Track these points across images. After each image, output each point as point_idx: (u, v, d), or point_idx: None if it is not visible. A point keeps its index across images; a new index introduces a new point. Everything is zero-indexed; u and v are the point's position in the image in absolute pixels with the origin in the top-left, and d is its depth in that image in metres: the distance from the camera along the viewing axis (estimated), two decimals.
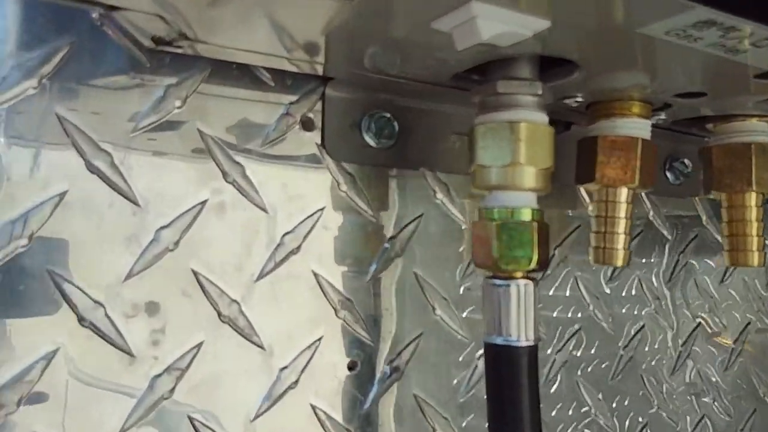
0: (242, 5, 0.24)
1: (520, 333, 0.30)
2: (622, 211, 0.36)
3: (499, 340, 0.30)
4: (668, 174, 0.48)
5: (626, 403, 0.45)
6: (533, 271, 0.30)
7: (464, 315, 0.39)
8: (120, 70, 0.30)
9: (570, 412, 0.43)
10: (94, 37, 0.29)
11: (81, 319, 0.29)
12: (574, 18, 0.24)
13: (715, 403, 0.49)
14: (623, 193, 0.36)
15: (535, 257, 0.30)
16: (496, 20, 0.23)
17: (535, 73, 0.30)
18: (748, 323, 0.52)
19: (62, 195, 0.28)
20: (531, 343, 0.30)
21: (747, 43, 0.26)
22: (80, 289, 0.29)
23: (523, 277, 0.30)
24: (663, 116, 0.39)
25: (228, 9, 0.25)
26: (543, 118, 0.30)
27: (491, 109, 0.30)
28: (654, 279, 0.47)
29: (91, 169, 0.29)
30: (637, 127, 0.36)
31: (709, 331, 0.50)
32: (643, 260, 0.47)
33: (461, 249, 0.39)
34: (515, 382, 0.30)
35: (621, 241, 0.36)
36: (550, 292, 0.43)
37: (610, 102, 0.36)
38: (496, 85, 0.30)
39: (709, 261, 0.50)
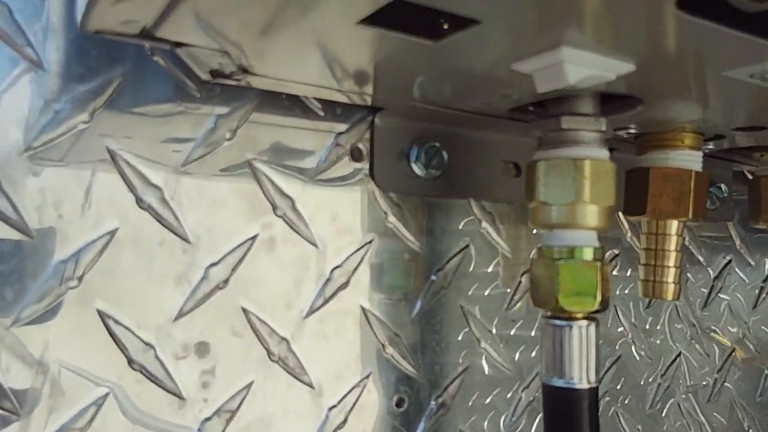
0: (295, 35, 0.23)
1: (582, 375, 0.29)
2: (673, 244, 0.36)
3: (560, 383, 0.29)
4: (708, 201, 0.47)
5: (665, 428, 0.45)
6: (595, 312, 0.29)
7: (509, 346, 0.38)
8: (170, 101, 0.29)
9: None
10: (146, 68, 0.28)
11: (131, 361, 0.28)
12: (660, 62, 0.23)
13: (750, 429, 0.49)
14: (674, 225, 0.36)
15: (599, 298, 0.29)
16: (583, 65, 0.22)
17: (597, 108, 0.30)
18: None
19: (113, 233, 0.27)
20: (593, 385, 0.29)
21: None
22: (130, 330, 0.28)
23: (584, 318, 0.29)
24: (711, 146, 0.38)
25: (281, 39, 0.24)
26: (605, 154, 0.29)
27: (554, 145, 0.29)
28: (690, 306, 0.47)
29: (142, 205, 0.28)
30: (689, 159, 0.35)
31: (742, 356, 0.49)
32: (691, 293, 0.47)
33: (501, 277, 0.38)
34: (577, 424, 0.29)
35: (672, 274, 0.36)
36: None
37: (661, 133, 0.35)
38: (560, 120, 0.29)
39: (743, 276, 0.50)
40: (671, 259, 0.36)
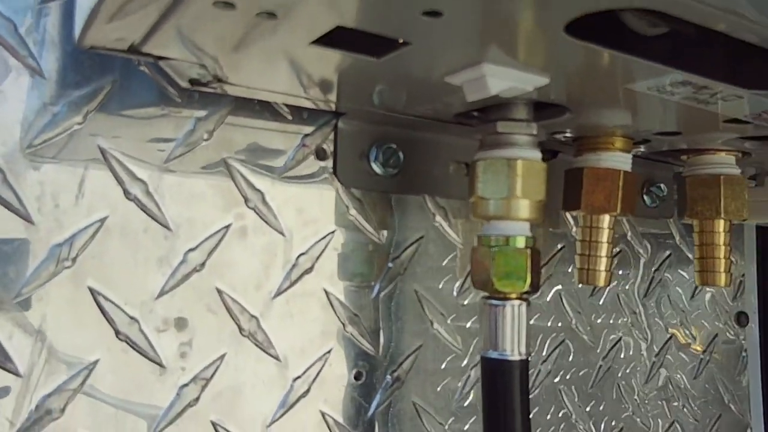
0: (262, 51, 0.27)
1: (514, 348, 0.33)
2: (605, 236, 0.40)
3: (494, 355, 0.33)
4: (645, 197, 0.52)
5: (601, 408, 0.49)
6: (526, 293, 0.33)
7: (459, 327, 0.42)
8: (154, 105, 0.33)
9: (553, 416, 0.47)
10: (133, 76, 0.32)
11: (118, 333, 0.31)
12: (570, 77, 0.28)
13: (685, 408, 0.53)
14: (606, 219, 0.40)
15: (529, 280, 0.33)
16: (502, 78, 0.27)
17: (530, 114, 0.34)
18: (716, 334, 0.56)
19: (103, 220, 0.31)
20: (523, 357, 0.33)
21: (717, 98, 0.29)
22: (117, 306, 0.31)
23: (517, 298, 0.33)
24: (642, 149, 0.42)
25: (250, 54, 0.28)
26: (537, 155, 0.34)
27: (492, 146, 0.34)
28: (630, 293, 0.51)
29: (129, 197, 0.32)
30: (619, 160, 0.39)
31: (681, 342, 0.54)
32: (622, 277, 0.51)
33: (456, 267, 0.43)
34: (508, 392, 0.33)
35: (603, 263, 0.40)
36: (539, 314, 0.47)
37: (595, 137, 0.39)
38: (497, 125, 0.33)
39: (683, 273, 0.54)
40: (603, 250, 0.40)
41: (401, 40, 0.24)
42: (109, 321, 0.31)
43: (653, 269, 0.52)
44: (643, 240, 0.52)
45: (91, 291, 0.31)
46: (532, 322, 0.46)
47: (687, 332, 0.54)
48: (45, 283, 0.30)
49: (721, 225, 0.43)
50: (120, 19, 0.23)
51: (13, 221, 0.29)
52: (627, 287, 0.51)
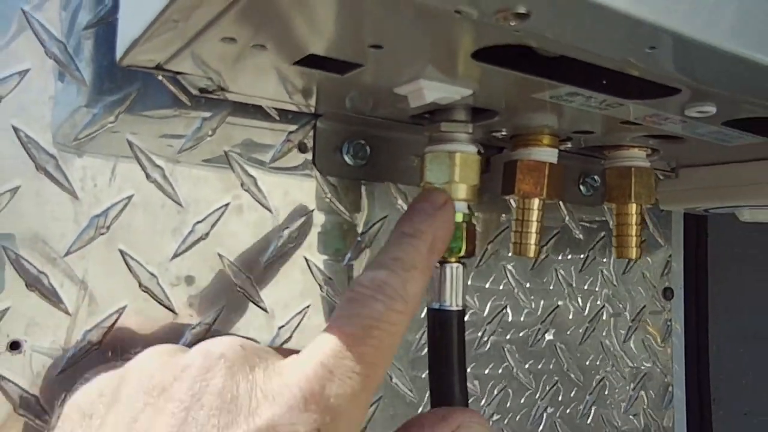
0: (254, 67, 0.36)
1: (452, 301, 0.42)
2: (534, 216, 0.49)
3: (437, 306, 0.42)
4: (582, 187, 0.61)
5: (540, 366, 0.58)
6: (463, 257, 0.42)
7: None
8: (169, 108, 0.42)
9: (498, 371, 0.56)
10: (153, 85, 0.41)
11: (140, 285, 0.40)
12: (488, 88, 0.37)
13: (614, 366, 0.63)
14: (535, 202, 0.49)
15: (464, 248, 0.42)
16: (435, 90, 0.35)
17: (468, 116, 0.43)
18: (644, 305, 0.65)
19: (130, 198, 0.40)
20: (460, 308, 0.42)
21: (605, 104, 0.38)
22: (141, 264, 0.40)
23: (455, 262, 0.42)
24: (569, 145, 0.51)
25: (247, 69, 0.37)
26: (473, 149, 0.42)
27: (436, 142, 0.42)
28: (567, 268, 0.60)
29: (150, 180, 0.41)
30: (546, 154, 0.48)
31: (612, 311, 0.63)
32: (560, 256, 0.60)
33: None
34: (448, 334, 0.42)
35: (533, 238, 0.49)
36: (486, 283, 0.56)
37: (526, 135, 0.48)
38: (440, 125, 0.42)
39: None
40: (533, 227, 0.49)
41: (356, 62, 0.33)
42: (134, 276, 0.40)
43: (588, 249, 0.61)
44: (579, 224, 0.61)
45: (121, 252, 0.40)
46: (487, 286, 0.55)
47: (618, 303, 0.63)
48: (86, 245, 0.39)
49: (632, 208, 0.52)
50: (152, 48, 0.32)
51: (63, 197, 0.38)
52: (564, 264, 0.60)
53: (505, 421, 0.56)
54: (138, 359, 0.31)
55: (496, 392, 0.55)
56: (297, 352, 0.31)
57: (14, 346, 0.36)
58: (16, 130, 0.37)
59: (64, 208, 0.38)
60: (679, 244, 0.69)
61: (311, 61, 0.33)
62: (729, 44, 0.28)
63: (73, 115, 0.38)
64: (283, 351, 0.32)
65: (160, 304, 0.41)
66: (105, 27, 0.39)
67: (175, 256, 0.41)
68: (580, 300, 0.61)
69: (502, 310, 0.56)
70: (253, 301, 0.44)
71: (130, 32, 0.32)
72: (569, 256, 0.60)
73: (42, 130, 0.38)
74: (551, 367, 0.59)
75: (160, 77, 0.41)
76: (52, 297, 0.37)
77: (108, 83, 0.39)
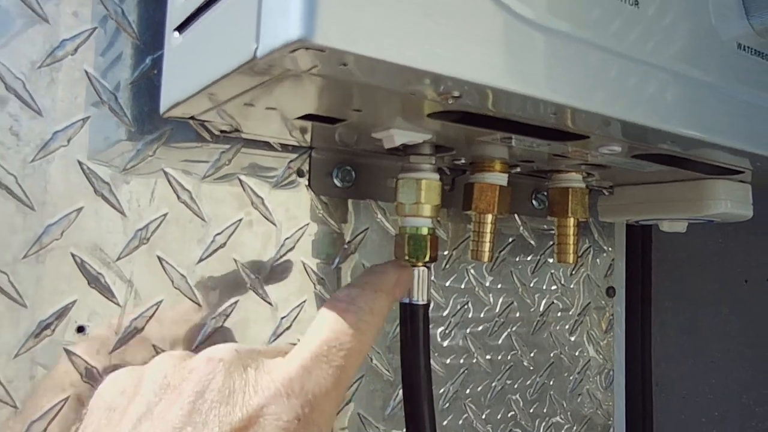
0: (260, 112, 0.47)
1: (419, 296, 0.53)
2: (488, 228, 0.60)
3: (407, 300, 0.53)
4: (534, 202, 0.72)
5: (498, 355, 0.69)
6: (427, 262, 0.54)
7: None
8: (195, 143, 0.53)
9: (460, 360, 0.67)
10: (183, 127, 0.52)
11: (173, 284, 0.51)
12: (443, 133, 0.48)
13: (562, 354, 0.74)
14: (488, 217, 0.60)
15: (428, 255, 0.53)
16: (403, 135, 0.47)
17: (431, 151, 0.54)
18: (590, 302, 0.77)
19: (165, 215, 0.51)
20: (425, 302, 0.53)
21: (534, 144, 0.50)
22: (174, 267, 0.51)
23: (422, 265, 0.53)
24: (518, 169, 0.63)
25: (258, 118, 0.48)
26: (435, 176, 0.54)
27: (407, 170, 0.54)
28: (522, 271, 0.72)
29: (180, 200, 0.52)
30: (497, 178, 0.59)
31: (561, 307, 0.74)
32: (515, 259, 0.71)
33: (390, 248, 0.63)
34: (415, 323, 0.53)
35: (487, 246, 0.60)
36: (450, 282, 0.67)
37: (481, 162, 0.60)
38: (410, 158, 0.54)
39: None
40: (487, 237, 0.60)
41: (341, 118, 0.44)
42: (169, 276, 0.51)
43: (540, 253, 0.73)
44: (532, 233, 0.73)
45: (158, 258, 0.51)
46: (450, 284, 0.67)
47: (566, 300, 0.75)
48: (132, 252, 0.50)
49: (570, 221, 0.63)
50: (189, 107, 0.43)
51: (115, 214, 0.49)
52: (519, 266, 0.71)
53: (467, 400, 0.67)
54: (153, 363, 0.42)
55: (458, 375, 0.67)
56: (283, 352, 0.42)
57: (80, 329, 0.47)
58: (80, 163, 0.48)
59: (115, 224, 0.49)
60: (622, 249, 0.81)
61: (308, 117, 0.44)
62: (605, 110, 0.39)
63: (122, 150, 0.49)
64: (271, 351, 0.43)
65: (188, 298, 0.52)
66: (145, 81, 0.50)
67: (200, 261, 0.52)
68: (532, 297, 0.72)
69: (465, 305, 0.67)
70: (260, 297, 0.55)
71: (173, 95, 0.43)
72: (523, 260, 0.72)
73: (99, 163, 0.49)
74: (509, 357, 0.70)
75: (187, 121, 0.52)
76: (107, 293, 0.48)
77: (148, 125, 0.50)
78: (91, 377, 0.47)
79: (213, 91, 0.39)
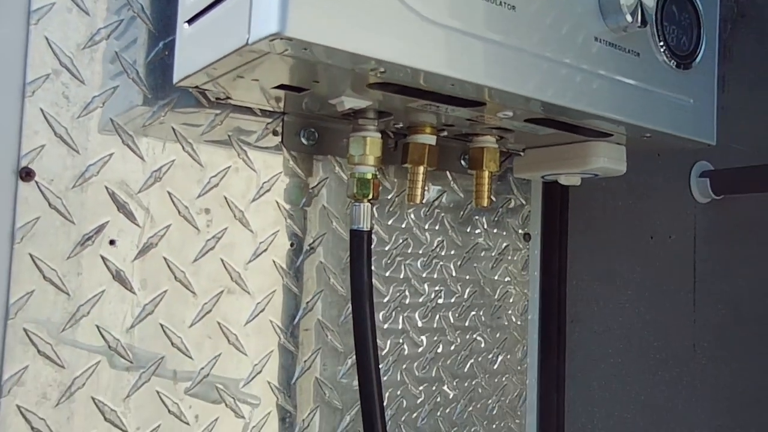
0: (243, 83, 0.63)
1: (364, 224, 0.71)
2: (420, 177, 0.78)
3: (356, 227, 0.71)
4: (462, 161, 0.90)
5: (432, 283, 0.87)
6: (371, 200, 0.71)
7: (346, 223, 0.80)
8: (195, 107, 0.70)
9: (400, 276, 0.85)
10: (187, 94, 0.69)
11: (179, 213, 0.68)
12: (382, 101, 0.65)
13: (484, 284, 0.93)
14: (420, 170, 0.78)
15: (371, 193, 0.71)
16: (351, 102, 0.64)
17: (374, 116, 0.71)
18: (508, 244, 0.95)
19: (173, 161, 0.68)
20: (368, 230, 0.71)
21: (449, 110, 0.67)
22: (178, 199, 0.68)
23: (367, 201, 0.71)
24: (445, 133, 0.80)
25: (244, 87, 0.65)
26: (377, 135, 0.71)
27: (356, 130, 0.71)
28: (452, 217, 0.90)
29: (184, 150, 0.69)
30: (427, 139, 0.77)
31: (483, 247, 0.92)
32: (446, 208, 0.89)
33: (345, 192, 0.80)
34: (361, 245, 0.71)
35: (419, 191, 0.78)
36: (393, 222, 0.85)
37: (415, 126, 0.77)
38: (358, 120, 0.71)
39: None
40: (419, 184, 0.78)
41: (304, 87, 0.61)
42: (176, 207, 0.68)
43: (467, 203, 0.91)
44: (460, 188, 0.91)
45: (168, 193, 0.68)
46: (393, 223, 0.84)
47: (489, 242, 0.93)
48: (149, 187, 0.67)
49: (485, 174, 0.81)
50: (195, 79, 0.60)
51: (137, 159, 0.66)
52: (449, 213, 0.89)
53: (405, 312, 0.85)
54: None
55: (397, 295, 0.85)
56: None
57: (111, 242, 0.64)
58: (112, 120, 0.65)
59: (137, 166, 0.66)
60: (538, 202, 1.00)
61: (282, 86, 0.62)
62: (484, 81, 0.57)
63: (142, 112, 0.66)
64: None
65: (190, 224, 0.69)
66: (159, 61, 0.67)
67: (199, 196, 0.69)
68: (460, 238, 0.90)
69: (405, 241, 0.85)
70: (244, 225, 0.72)
71: (183, 70, 0.60)
72: (453, 208, 0.90)
73: (125, 120, 0.65)
74: (439, 284, 0.88)
75: (191, 90, 0.69)
76: (131, 216, 0.65)
77: (160, 93, 0.67)
78: (121, 280, 0.65)
79: (215, 66, 0.56)
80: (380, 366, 0.79)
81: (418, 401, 0.86)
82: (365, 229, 0.71)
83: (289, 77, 0.58)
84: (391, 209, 0.84)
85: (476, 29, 0.57)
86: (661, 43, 0.70)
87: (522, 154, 0.91)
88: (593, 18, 0.66)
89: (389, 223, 0.84)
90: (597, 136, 0.77)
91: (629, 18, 0.65)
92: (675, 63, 0.72)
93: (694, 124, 0.74)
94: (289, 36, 0.47)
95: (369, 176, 0.71)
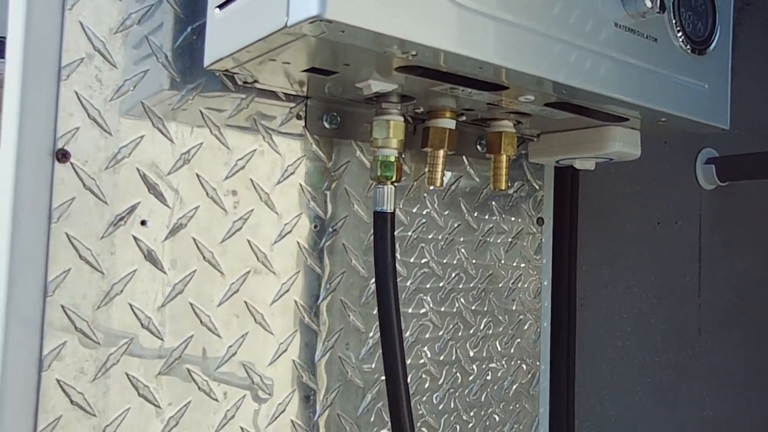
0: (269, 67, 0.65)
1: (387, 206, 0.72)
2: (440, 161, 0.79)
3: (379, 209, 0.73)
4: (478, 146, 0.92)
5: (450, 266, 0.89)
6: (394, 182, 0.73)
7: (368, 205, 0.82)
8: (222, 91, 0.71)
9: (421, 260, 0.87)
10: (213, 78, 0.70)
11: (207, 195, 0.70)
12: (407, 84, 0.67)
13: (499, 267, 0.94)
14: (440, 153, 0.79)
15: (395, 176, 0.72)
16: (377, 85, 0.65)
17: (398, 99, 0.73)
18: (522, 228, 0.97)
19: (201, 144, 0.69)
20: (392, 211, 0.73)
21: (472, 93, 0.69)
22: (207, 181, 0.70)
23: (390, 184, 0.73)
24: (464, 118, 0.82)
25: (270, 71, 0.66)
26: (400, 118, 0.73)
27: (380, 114, 0.73)
28: (468, 201, 0.91)
29: (212, 133, 0.70)
30: (447, 123, 0.79)
31: (498, 231, 0.94)
32: (463, 192, 0.91)
33: (366, 176, 0.82)
34: (384, 226, 0.72)
35: (438, 175, 0.80)
36: (414, 208, 0.86)
37: (435, 111, 0.79)
38: (382, 104, 0.73)
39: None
40: (439, 168, 0.79)
41: (334, 70, 0.63)
42: (204, 189, 0.70)
43: (483, 188, 0.93)
44: (478, 171, 0.92)
45: (196, 174, 0.69)
46: (414, 210, 0.86)
47: (503, 226, 0.95)
48: (178, 169, 0.68)
49: (502, 158, 0.83)
50: (225, 63, 0.62)
51: (166, 142, 0.67)
52: (466, 197, 0.91)
53: (425, 295, 0.87)
54: None
55: (417, 276, 0.86)
56: None
57: (143, 223, 0.66)
58: (142, 103, 0.66)
59: (166, 148, 0.67)
60: (550, 187, 1.01)
61: (311, 69, 0.63)
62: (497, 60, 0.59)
63: (171, 95, 0.68)
64: None
65: (217, 204, 0.70)
66: (187, 45, 0.68)
67: (226, 178, 0.71)
68: (476, 222, 0.92)
69: (423, 225, 0.87)
70: (270, 207, 0.74)
71: (215, 54, 0.62)
72: (469, 192, 0.92)
73: (155, 103, 0.67)
74: (454, 262, 0.90)
75: (218, 74, 0.70)
76: (161, 197, 0.67)
77: (188, 77, 0.69)
78: (153, 260, 0.66)
79: (249, 49, 0.57)
80: None
81: (438, 382, 0.88)
82: (389, 210, 0.73)
83: (321, 60, 0.60)
84: (410, 194, 0.86)
85: (510, 16, 0.58)
86: (678, 29, 0.72)
87: (535, 139, 0.92)
88: (614, 3, 0.67)
89: (408, 207, 0.86)
90: (613, 120, 0.79)
91: (649, 3, 0.66)
92: (691, 48, 0.73)
93: (708, 109, 0.76)
94: (329, 18, 0.48)
95: (392, 159, 0.73)
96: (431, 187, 0.85)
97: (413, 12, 0.52)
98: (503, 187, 0.83)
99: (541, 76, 0.61)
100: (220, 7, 0.62)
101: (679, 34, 0.72)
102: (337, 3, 0.48)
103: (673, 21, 0.71)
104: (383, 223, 0.73)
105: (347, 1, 0.49)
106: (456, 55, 0.55)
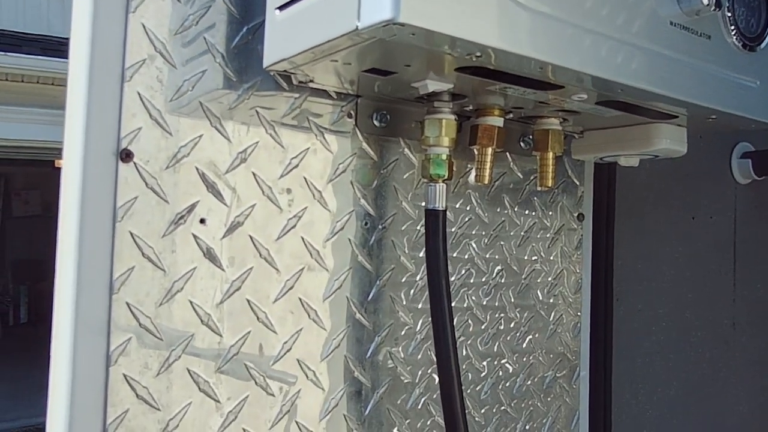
0: (325, 67, 0.65)
1: (439, 204, 0.73)
2: (488, 158, 0.80)
3: (431, 207, 0.73)
4: (522, 143, 0.92)
5: (488, 256, 0.90)
6: (446, 179, 0.73)
7: (418, 201, 0.82)
8: (276, 91, 0.72)
9: (464, 255, 0.87)
10: (268, 78, 0.71)
11: (263, 193, 0.71)
12: (462, 84, 0.67)
13: (540, 263, 0.95)
14: (489, 151, 0.80)
15: (447, 174, 0.73)
16: (433, 84, 0.66)
17: (449, 98, 0.73)
18: (563, 224, 0.97)
19: (257, 143, 0.70)
20: (444, 208, 0.73)
21: (525, 92, 0.69)
22: (263, 181, 0.71)
23: (442, 182, 0.73)
24: (511, 115, 0.82)
25: (318, 67, 0.67)
26: (452, 117, 0.73)
27: (432, 113, 0.73)
28: (511, 197, 0.92)
29: (267, 132, 0.71)
30: (495, 121, 0.79)
31: (540, 227, 0.95)
32: (506, 188, 0.91)
33: (414, 174, 0.82)
34: (437, 223, 0.73)
35: (487, 172, 0.80)
36: (458, 204, 0.87)
37: (483, 109, 0.79)
38: (434, 103, 0.73)
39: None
40: (487, 165, 0.80)
41: (391, 71, 0.63)
42: (260, 187, 0.71)
43: (525, 184, 0.93)
44: (519, 167, 0.93)
45: (253, 173, 0.70)
46: (458, 206, 0.87)
47: (545, 222, 0.95)
48: (236, 167, 0.69)
49: (549, 155, 0.83)
50: (284, 65, 0.63)
51: (223, 140, 0.68)
52: (509, 194, 0.92)
53: (469, 290, 0.88)
54: None
55: (462, 272, 0.87)
56: None
57: (202, 221, 0.67)
58: (201, 103, 0.67)
59: (224, 147, 0.68)
60: (590, 183, 1.01)
61: (371, 70, 0.64)
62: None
63: (228, 94, 0.68)
64: None
65: (273, 203, 0.71)
66: (243, 45, 0.69)
67: (281, 176, 0.72)
68: (519, 218, 0.93)
69: (468, 221, 0.87)
70: (322, 205, 0.75)
71: (275, 55, 0.63)
72: (512, 188, 0.92)
73: (212, 103, 0.68)
74: (497, 257, 0.91)
75: (274, 74, 0.71)
76: (219, 196, 0.68)
77: (244, 77, 0.69)
78: (212, 257, 0.67)
79: (314, 51, 0.58)
80: None
81: (482, 375, 0.89)
82: (440, 208, 0.73)
83: (383, 61, 0.60)
84: (455, 190, 0.86)
85: (571, 17, 0.58)
86: (732, 26, 0.72)
87: (577, 136, 0.93)
88: (669, 2, 0.67)
89: (452, 203, 0.86)
90: (662, 118, 0.79)
91: (705, 0, 0.66)
92: (743, 45, 0.73)
93: (760, 105, 0.76)
94: (402, 22, 0.49)
95: (444, 157, 0.73)
96: (479, 184, 0.86)
97: (481, 14, 0.53)
98: (550, 185, 0.84)
99: (603, 77, 0.61)
100: (281, 8, 0.62)
101: (733, 31, 0.72)
102: (410, 6, 0.49)
103: (728, 17, 0.71)
104: (435, 220, 0.73)
105: (420, 5, 0.49)
106: (520, 56, 0.56)
